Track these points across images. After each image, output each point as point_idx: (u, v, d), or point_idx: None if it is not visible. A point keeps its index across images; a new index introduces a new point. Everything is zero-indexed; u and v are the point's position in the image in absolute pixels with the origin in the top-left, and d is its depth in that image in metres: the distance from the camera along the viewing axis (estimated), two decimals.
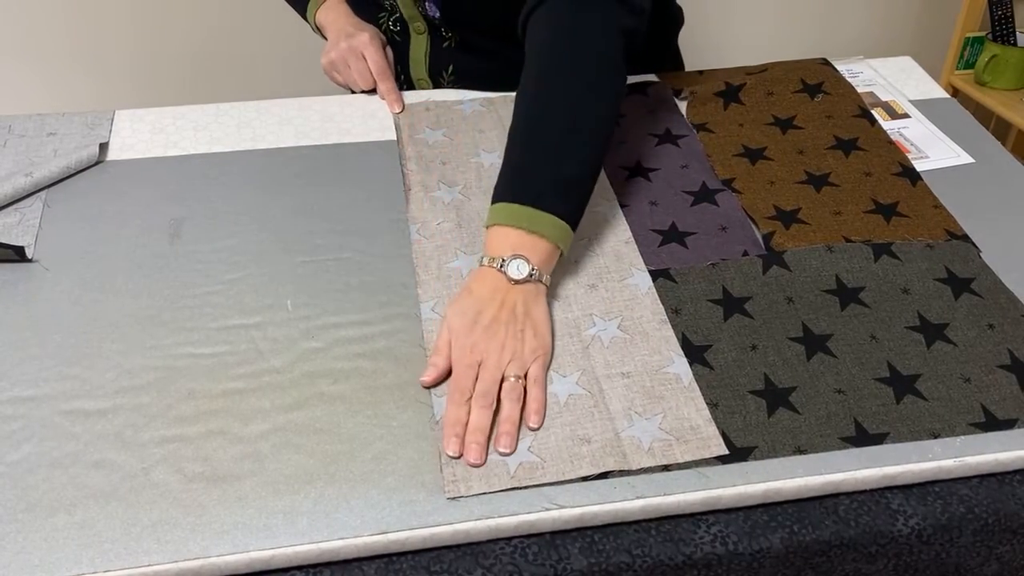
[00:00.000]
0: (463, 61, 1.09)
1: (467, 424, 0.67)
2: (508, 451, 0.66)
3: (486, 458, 0.66)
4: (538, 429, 0.68)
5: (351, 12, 1.13)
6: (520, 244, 0.76)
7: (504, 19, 1.01)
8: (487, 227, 0.79)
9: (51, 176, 0.92)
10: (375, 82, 1.07)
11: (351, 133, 1.02)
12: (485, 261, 0.77)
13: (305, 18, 1.17)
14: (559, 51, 0.84)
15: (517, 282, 0.75)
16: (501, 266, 0.75)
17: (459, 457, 0.66)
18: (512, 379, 0.70)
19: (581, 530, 0.64)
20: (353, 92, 1.10)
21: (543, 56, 0.85)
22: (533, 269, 0.75)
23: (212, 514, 0.62)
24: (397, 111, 1.05)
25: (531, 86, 0.84)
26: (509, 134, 0.83)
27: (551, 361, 0.74)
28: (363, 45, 1.07)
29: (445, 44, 1.09)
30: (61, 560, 0.59)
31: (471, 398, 0.69)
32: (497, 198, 0.79)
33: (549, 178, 0.79)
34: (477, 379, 0.70)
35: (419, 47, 1.10)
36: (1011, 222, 0.88)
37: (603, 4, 0.85)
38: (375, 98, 1.08)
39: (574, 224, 0.79)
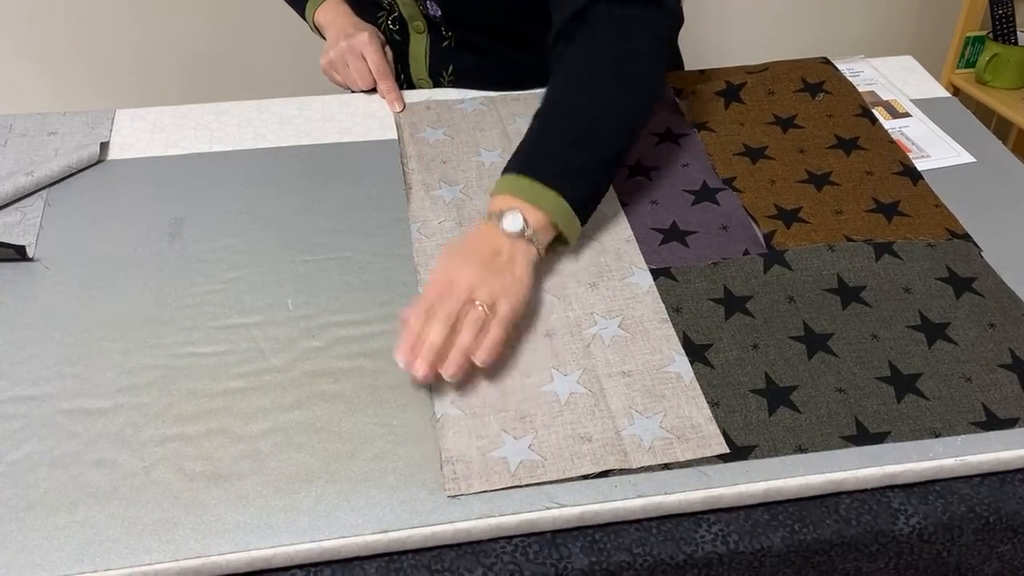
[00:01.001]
0: (463, 60, 1.09)
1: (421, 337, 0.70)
2: (450, 377, 0.68)
3: (432, 376, 0.68)
4: (482, 367, 0.70)
5: (350, 12, 1.12)
6: (520, 207, 0.78)
7: (505, 19, 1.01)
8: (491, 195, 0.81)
9: (52, 175, 0.92)
10: (374, 81, 1.07)
11: (352, 132, 1.02)
12: (483, 219, 0.79)
13: (304, 18, 1.16)
14: (596, 49, 0.85)
15: (509, 235, 0.77)
16: (496, 220, 0.77)
17: (406, 367, 0.68)
18: (478, 305, 0.71)
19: (582, 529, 0.64)
20: (352, 92, 1.10)
21: (581, 50, 0.86)
22: (527, 227, 0.77)
23: (213, 513, 0.62)
24: (398, 110, 1.05)
25: (563, 75, 0.85)
26: (533, 117, 0.84)
27: (519, 310, 0.74)
28: (362, 44, 1.07)
29: (445, 43, 1.09)
30: (62, 559, 0.59)
31: (429, 317, 0.70)
32: (506, 170, 0.81)
33: (559, 159, 0.80)
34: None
35: (419, 46, 1.10)
36: (1012, 221, 0.88)
37: (641, 9, 0.86)
38: (375, 97, 1.08)
39: (578, 210, 0.80)
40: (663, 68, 0.89)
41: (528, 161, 0.81)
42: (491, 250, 0.76)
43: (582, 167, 0.81)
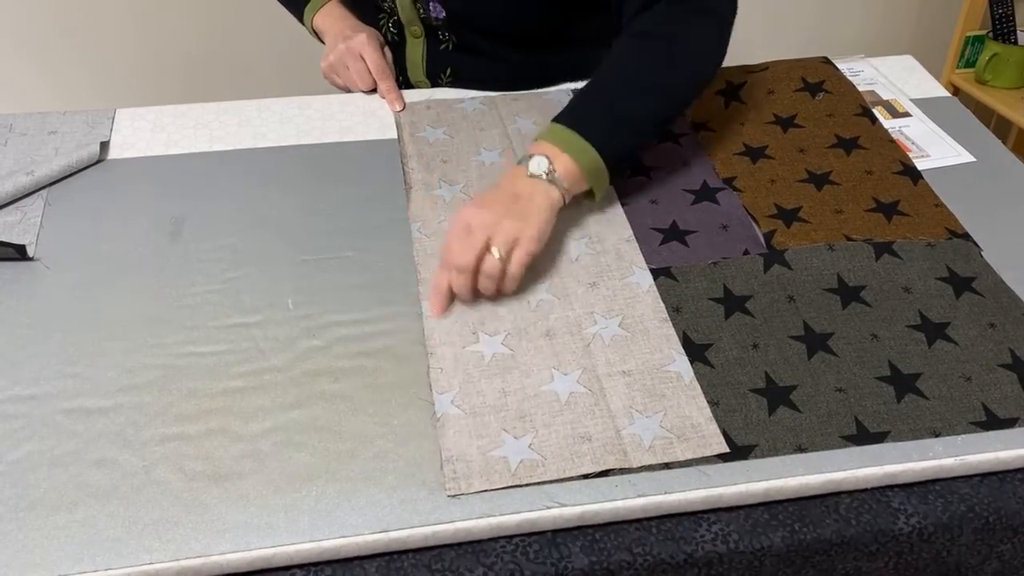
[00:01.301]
0: (461, 63, 1.09)
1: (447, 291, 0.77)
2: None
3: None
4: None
5: (348, 14, 1.13)
6: (550, 152, 0.82)
7: (510, 20, 1.01)
8: (532, 140, 0.85)
9: (52, 174, 0.92)
10: (374, 82, 1.07)
11: (352, 132, 1.02)
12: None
13: (303, 23, 1.16)
14: (656, 30, 0.90)
15: (533, 175, 0.81)
16: (524, 162, 0.82)
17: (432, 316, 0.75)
18: (495, 252, 0.75)
19: (582, 528, 0.64)
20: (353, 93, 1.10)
21: (640, 32, 0.90)
22: (552, 170, 0.81)
23: (213, 512, 0.62)
24: (398, 109, 1.05)
25: (620, 46, 0.90)
26: (586, 82, 0.89)
27: (535, 251, 0.78)
28: (360, 45, 1.07)
29: (443, 47, 1.09)
30: (62, 558, 0.59)
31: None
32: (550, 122, 0.85)
33: (600, 112, 0.85)
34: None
35: (415, 50, 1.10)
36: (1012, 221, 0.88)
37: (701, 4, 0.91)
38: (376, 97, 1.08)
39: (608, 162, 0.83)
40: (715, 56, 0.92)
41: (570, 113, 0.85)
42: (512, 193, 0.80)
43: (618, 120, 0.85)
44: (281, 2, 1.20)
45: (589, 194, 0.86)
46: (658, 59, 0.88)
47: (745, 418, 0.69)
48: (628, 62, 0.88)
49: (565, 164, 0.82)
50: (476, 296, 0.78)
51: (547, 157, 0.81)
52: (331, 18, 1.12)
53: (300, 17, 1.17)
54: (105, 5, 1.82)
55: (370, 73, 1.07)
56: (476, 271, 0.76)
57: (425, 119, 1.03)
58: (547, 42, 1.07)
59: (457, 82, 1.11)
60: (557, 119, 0.85)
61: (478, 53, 1.08)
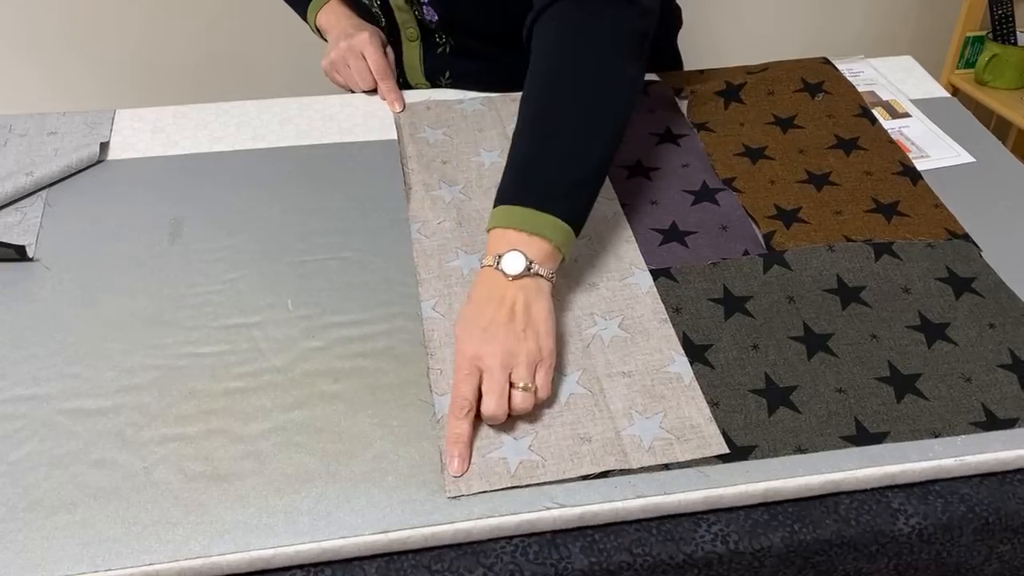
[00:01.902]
0: (459, 65, 1.09)
1: (469, 440, 0.66)
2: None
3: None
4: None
5: (351, 13, 1.12)
6: (518, 242, 0.73)
7: (504, 22, 1.00)
8: (488, 230, 0.77)
9: (52, 175, 0.92)
10: (375, 82, 1.07)
11: (352, 132, 1.02)
12: (483, 262, 0.75)
13: (305, 20, 1.16)
14: (566, 53, 0.81)
15: (514, 278, 0.72)
16: (497, 263, 0.73)
17: (461, 475, 0.65)
18: (521, 388, 0.68)
19: (582, 529, 0.64)
20: (354, 93, 1.10)
21: (550, 58, 0.82)
22: (531, 263, 0.72)
23: (213, 513, 0.62)
24: (398, 110, 1.05)
25: (536, 88, 0.81)
26: (513, 136, 0.80)
27: (554, 364, 0.71)
28: (363, 44, 1.07)
29: (439, 50, 1.09)
30: (62, 559, 0.59)
31: (470, 410, 0.67)
32: (498, 201, 0.77)
33: (553, 180, 0.76)
34: (482, 390, 0.68)
35: (412, 54, 1.10)
36: (1012, 221, 0.88)
37: (610, 5, 0.82)
38: (376, 97, 1.08)
39: (577, 227, 0.76)
40: (640, 66, 0.84)
41: (517, 188, 0.76)
42: (506, 310, 0.71)
43: (573, 182, 0.77)
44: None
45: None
46: (586, 92, 0.79)
47: (745, 419, 0.69)
48: (547, 112, 0.79)
49: (539, 248, 0.73)
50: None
51: (519, 251, 0.73)
52: (334, 16, 1.12)
53: (303, 15, 1.16)
54: (105, 6, 1.82)
55: (371, 72, 1.07)
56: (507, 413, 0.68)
57: (425, 120, 1.03)
58: None
59: (457, 84, 1.11)
60: (502, 200, 0.76)
61: (475, 55, 1.08)
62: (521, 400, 0.68)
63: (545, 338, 0.71)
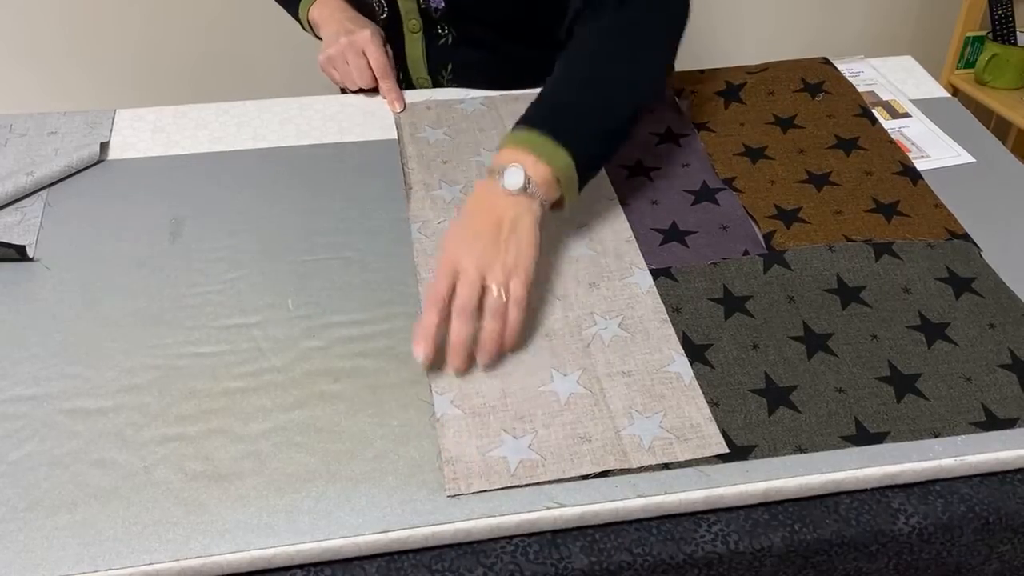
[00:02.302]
0: (461, 57, 1.09)
1: (439, 330, 0.70)
2: (485, 367, 0.70)
3: (469, 367, 0.71)
4: (508, 352, 0.72)
5: (347, 7, 1.11)
6: (524, 161, 0.76)
7: (511, 10, 1.00)
8: (498, 149, 0.80)
9: (52, 175, 0.92)
10: (373, 80, 1.07)
11: (352, 132, 1.02)
12: (485, 175, 0.78)
13: (296, 17, 1.15)
14: (606, 35, 0.86)
15: (510, 193, 0.75)
16: (498, 176, 0.76)
17: (424, 361, 0.70)
18: (494, 290, 0.71)
19: (582, 529, 0.64)
20: (347, 91, 1.10)
21: (590, 37, 0.86)
22: (529, 181, 0.75)
23: (213, 513, 0.62)
24: (399, 110, 1.05)
25: (576, 49, 0.86)
26: (545, 83, 0.84)
27: (532, 279, 0.74)
28: (364, 42, 1.06)
29: (441, 41, 1.08)
30: (62, 558, 0.59)
31: (444, 307, 0.71)
32: (515, 127, 0.80)
33: (570, 119, 0.80)
34: (456, 289, 0.72)
35: (415, 47, 1.10)
36: (1012, 221, 0.88)
37: (652, 9, 0.87)
38: (376, 97, 1.08)
39: (582, 173, 0.79)
40: (669, 58, 0.90)
41: (538, 117, 0.80)
42: (494, 221, 0.74)
43: (590, 131, 0.81)
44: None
45: (555, 207, 0.80)
46: (618, 56, 0.84)
47: (745, 418, 0.69)
48: (588, 61, 0.85)
49: (541, 172, 0.76)
50: (473, 348, 0.71)
51: (521, 167, 0.75)
52: (327, 10, 1.11)
53: (294, 11, 1.15)
54: (104, 6, 1.82)
55: (371, 71, 1.06)
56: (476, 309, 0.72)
57: (425, 120, 1.03)
58: (549, 36, 1.06)
59: (457, 78, 1.10)
60: (522, 124, 0.80)
61: (478, 47, 1.07)
62: (492, 302, 0.71)
63: (526, 250, 0.74)
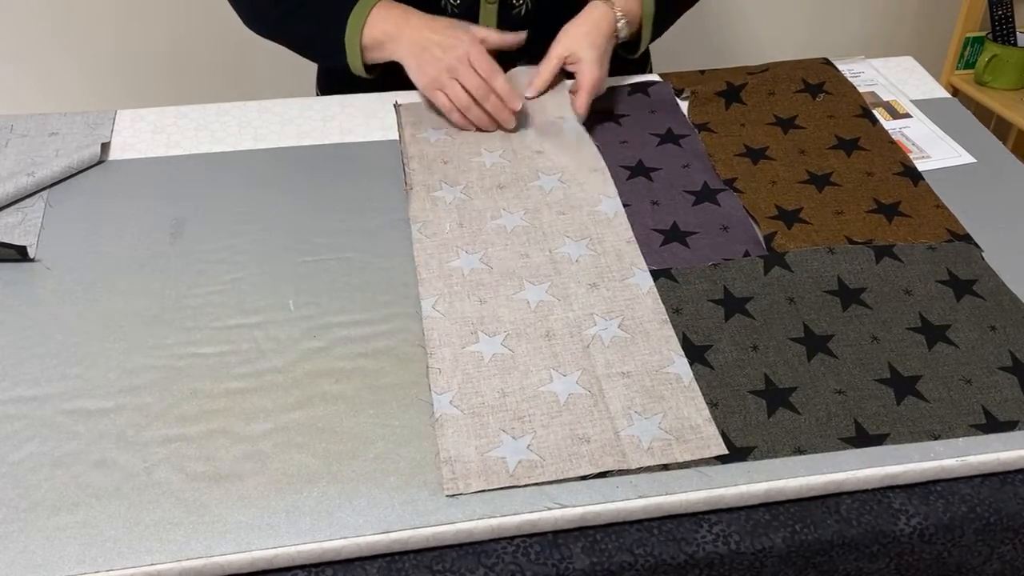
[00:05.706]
0: (534, 30, 1.02)
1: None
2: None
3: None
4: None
5: (409, 9, 1.00)
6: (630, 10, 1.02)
7: None
8: None
9: (53, 176, 0.92)
10: (489, 92, 0.97)
11: (352, 133, 1.02)
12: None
13: (336, 55, 1.02)
14: None
15: (618, 39, 1.02)
16: (617, 20, 1.00)
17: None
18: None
19: (583, 529, 0.64)
20: (456, 126, 1.01)
21: None
22: (624, 35, 1.02)
23: (214, 513, 0.62)
24: (518, 107, 0.98)
25: None
26: None
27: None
28: (471, 44, 0.96)
29: (515, 11, 1.05)
30: (63, 559, 0.59)
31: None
32: None
33: None
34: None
35: (489, 18, 1.05)
36: (1013, 222, 0.88)
37: None
38: (376, 98, 1.08)
39: (648, 25, 1.04)
40: None
41: None
42: (600, 35, 0.99)
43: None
44: (301, 48, 1.07)
45: (627, 48, 1.03)
46: None
47: (744, 420, 0.69)
48: None
49: (631, 7, 1.00)
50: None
51: (628, 23, 1.00)
52: (394, 24, 0.98)
53: (334, 45, 1.01)
54: (103, 7, 1.82)
55: (483, 79, 0.96)
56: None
57: (426, 120, 1.03)
58: None
59: (525, 56, 1.03)
60: None
61: (554, 17, 1.02)
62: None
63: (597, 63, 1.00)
